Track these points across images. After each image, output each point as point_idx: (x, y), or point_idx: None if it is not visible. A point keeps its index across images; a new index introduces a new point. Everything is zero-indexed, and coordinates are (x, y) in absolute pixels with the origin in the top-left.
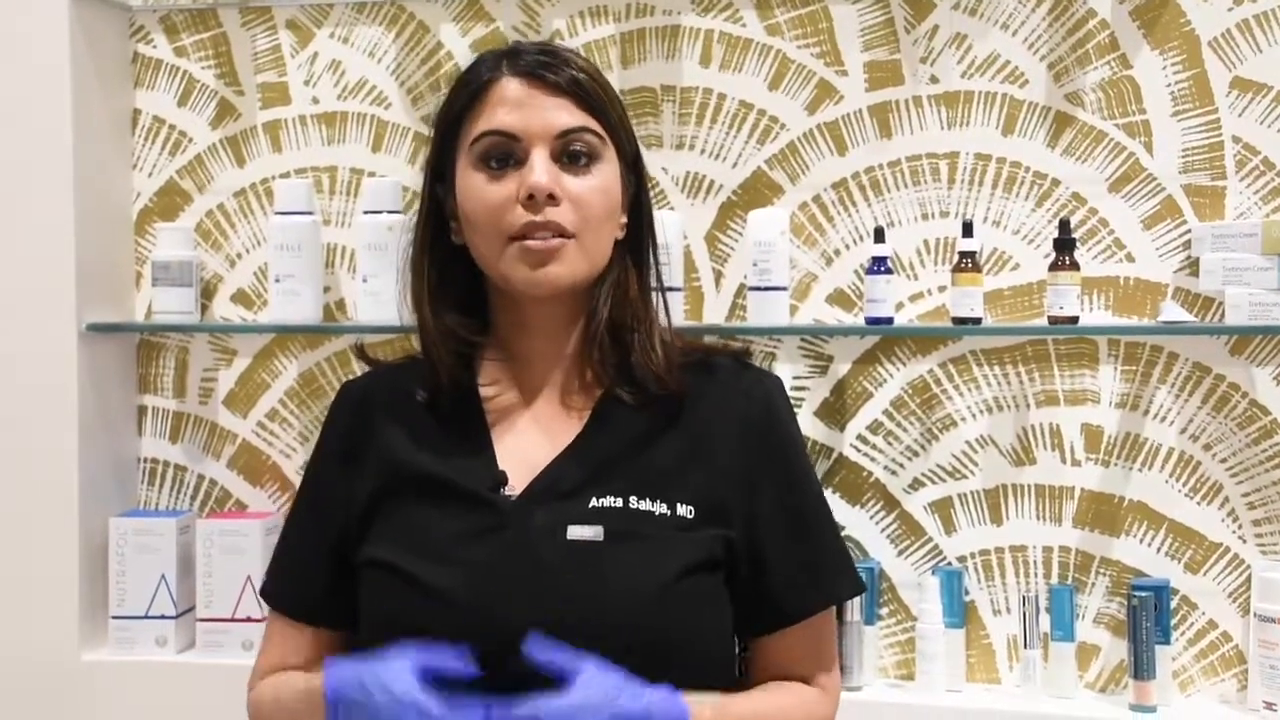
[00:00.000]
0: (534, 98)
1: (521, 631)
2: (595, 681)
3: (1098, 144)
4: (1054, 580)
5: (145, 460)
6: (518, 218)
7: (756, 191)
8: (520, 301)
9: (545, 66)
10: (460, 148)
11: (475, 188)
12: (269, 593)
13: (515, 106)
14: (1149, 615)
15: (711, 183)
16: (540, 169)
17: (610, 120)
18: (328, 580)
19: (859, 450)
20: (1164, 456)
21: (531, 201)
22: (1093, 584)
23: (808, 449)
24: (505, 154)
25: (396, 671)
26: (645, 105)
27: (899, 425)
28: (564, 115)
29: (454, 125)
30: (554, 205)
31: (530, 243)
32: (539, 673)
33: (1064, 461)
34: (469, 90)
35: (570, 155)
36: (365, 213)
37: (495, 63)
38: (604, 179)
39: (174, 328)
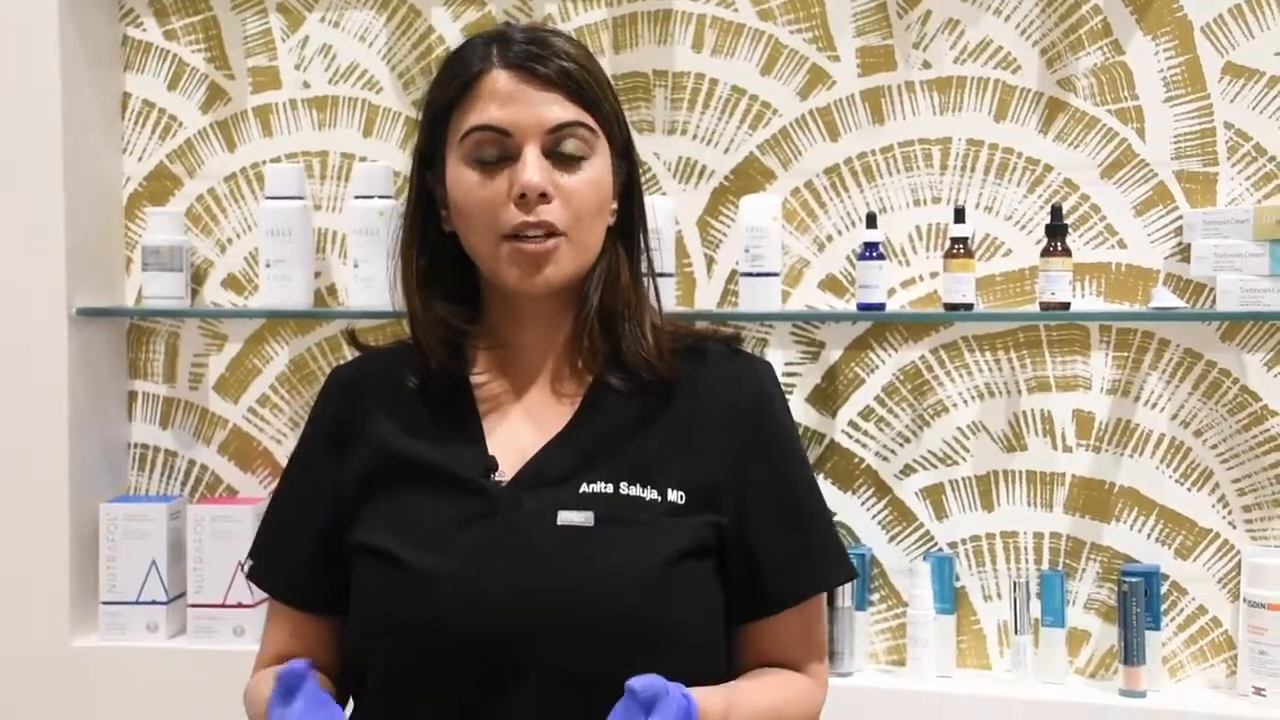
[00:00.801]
0: (524, 92)
1: (512, 616)
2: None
3: (1090, 130)
4: (1045, 566)
5: (135, 446)
6: (511, 216)
7: (749, 177)
8: (511, 293)
9: (535, 58)
10: (450, 140)
11: (467, 184)
12: (256, 575)
13: (506, 101)
14: (1139, 601)
15: (704, 168)
16: (533, 167)
17: (602, 111)
18: (314, 565)
19: (850, 436)
20: (1155, 443)
21: (524, 200)
22: (1083, 570)
23: (799, 434)
24: (496, 149)
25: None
26: (637, 90)
27: (891, 411)
28: (555, 110)
29: (443, 115)
30: (546, 203)
31: (524, 245)
32: (525, 660)
33: (1055, 447)
34: (458, 81)
35: (562, 150)
36: (356, 197)
37: (485, 52)
38: (596, 172)
39: (164, 313)
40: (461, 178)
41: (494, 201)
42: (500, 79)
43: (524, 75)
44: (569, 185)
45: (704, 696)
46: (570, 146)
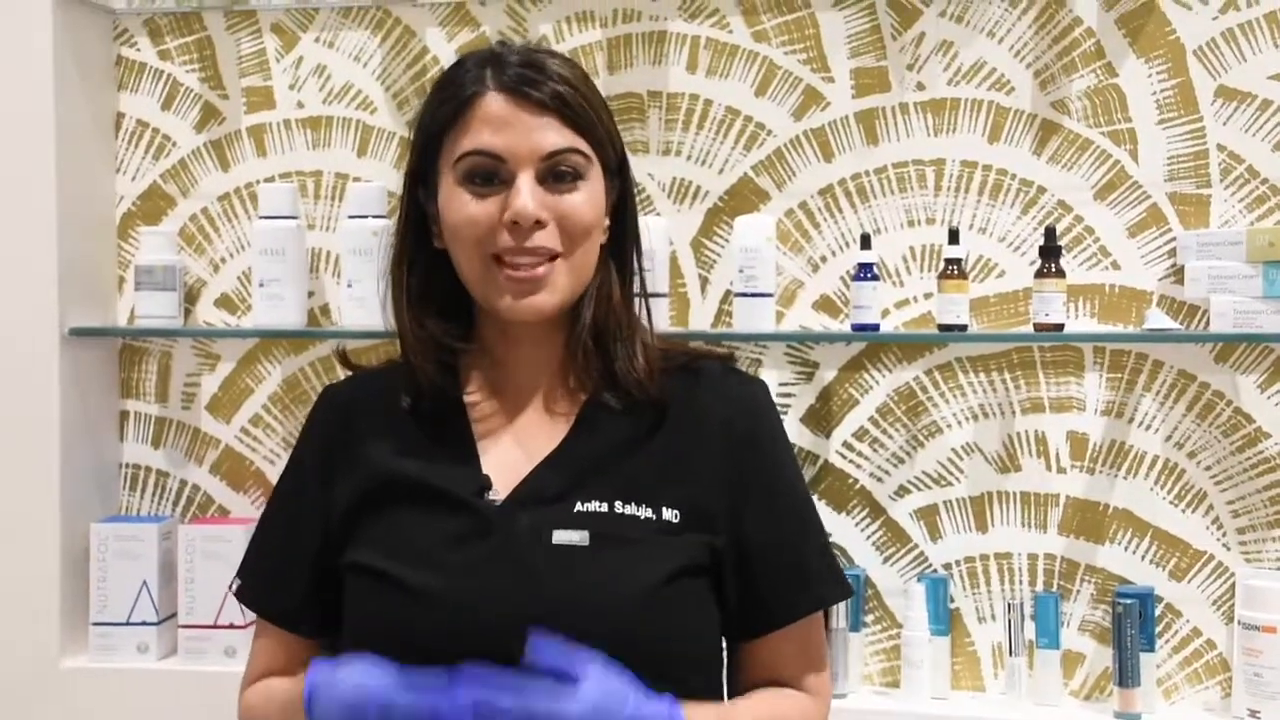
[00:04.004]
0: (518, 116)
1: (506, 635)
2: (602, 687)
3: (1083, 152)
4: (1039, 588)
5: (127, 466)
6: (502, 239)
7: (743, 198)
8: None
9: (529, 82)
10: (443, 163)
11: (459, 206)
12: (245, 595)
13: (500, 127)
14: (1134, 623)
15: (698, 189)
16: (526, 194)
17: (597, 135)
18: (305, 586)
19: (844, 457)
20: (1149, 464)
21: (517, 227)
22: (1077, 591)
23: (794, 453)
24: (490, 173)
25: (367, 663)
26: (631, 111)
27: (885, 432)
28: (550, 135)
29: (436, 137)
30: (540, 229)
31: (515, 272)
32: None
33: (1049, 469)
34: (452, 105)
35: (556, 175)
36: (350, 217)
37: (479, 74)
38: (589, 194)
39: (157, 332)
40: (454, 199)
41: (486, 224)
42: (494, 103)
43: (518, 99)
44: (562, 207)
45: (691, 708)
46: (564, 171)
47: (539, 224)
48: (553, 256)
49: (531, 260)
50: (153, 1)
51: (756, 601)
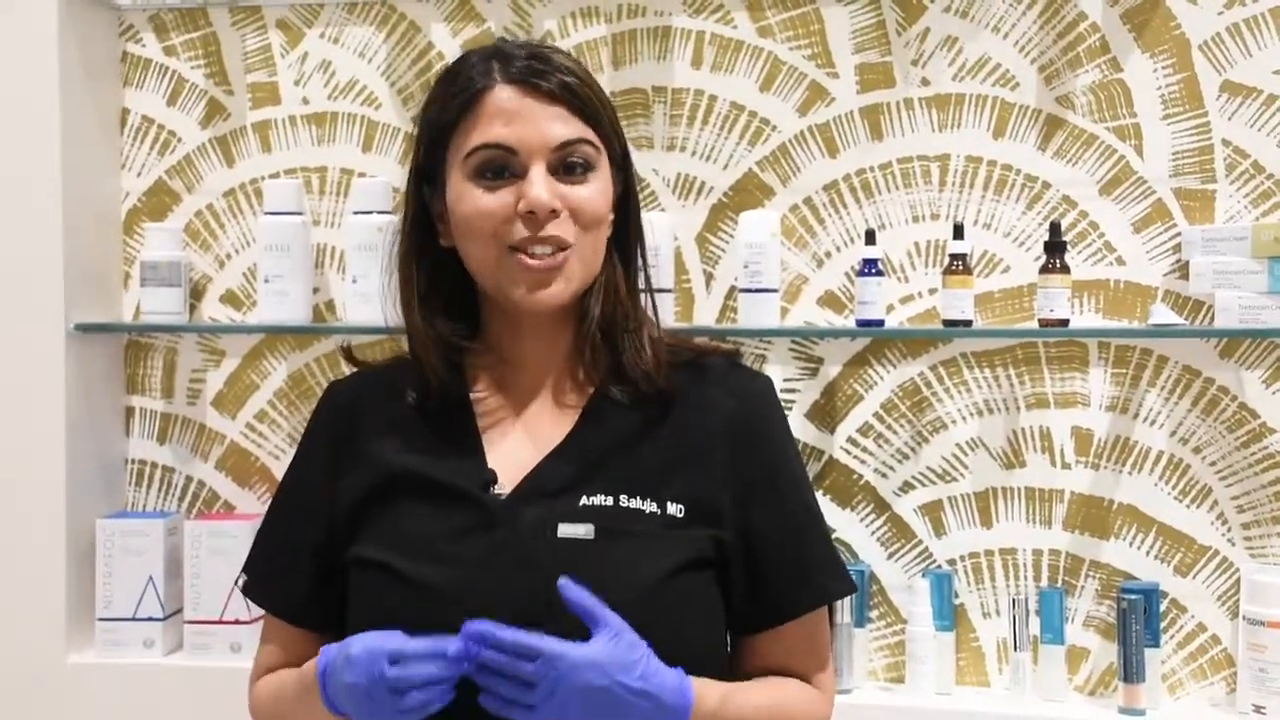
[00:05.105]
0: (528, 108)
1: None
2: (615, 644)
3: (1088, 147)
4: (1044, 583)
5: (133, 461)
6: (517, 230)
7: (747, 193)
8: (514, 309)
9: (537, 73)
10: (452, 158)
11: (471, 200)
12: (252, 591)
13: (510, 119)
14: (1138, 618)
15: (702, 184)
16: (540, 185)
17: (603, 125)
18: (310, 582)
19: (849, 453)
20: (1154, 459)
21: (531, 217)
22: (1082, 587)
23: (799, 449)
24: (501, 166)
25: (374, 634)
26: (636, 106)
27: (889, 428)
28: (560, 126)
29: (444, 133)
30: (554, 219)
31: (530, 261)
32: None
33: (1054, 464)
34: (460, 99)
35: (567, 166)
36: (355, 213)
37: (485, 68)
38: (599, 185)
39: (162, 328)
40: (465, 193)
41: (501, 216)
42: (503, 95)
43: (526, 90)
44: (574, 198)
45: (701, 683)
46: (574, 162)
47: (553, 213)
48: (567, 246)
49: (547, 249)
50: None
51: (760, 596)
